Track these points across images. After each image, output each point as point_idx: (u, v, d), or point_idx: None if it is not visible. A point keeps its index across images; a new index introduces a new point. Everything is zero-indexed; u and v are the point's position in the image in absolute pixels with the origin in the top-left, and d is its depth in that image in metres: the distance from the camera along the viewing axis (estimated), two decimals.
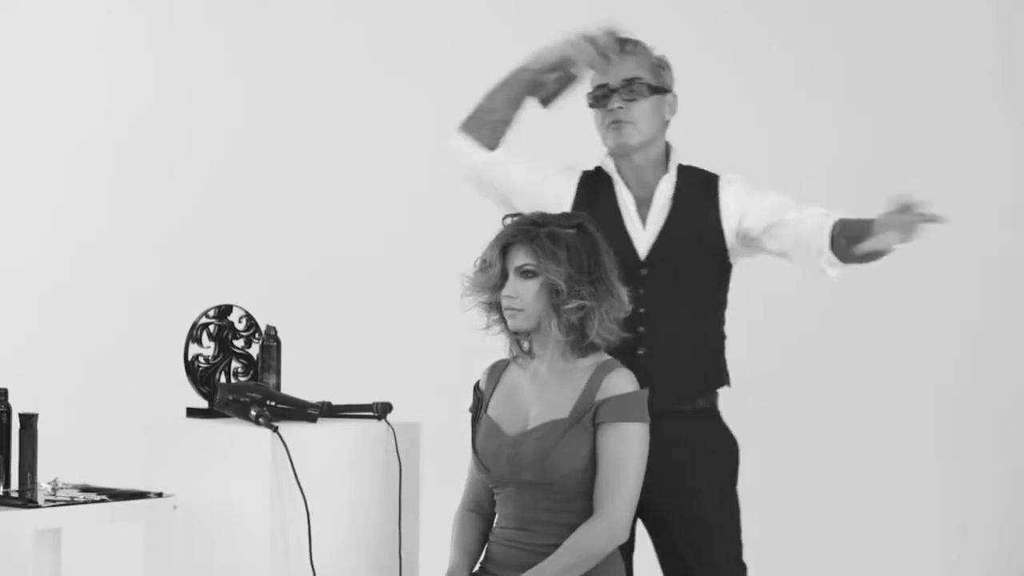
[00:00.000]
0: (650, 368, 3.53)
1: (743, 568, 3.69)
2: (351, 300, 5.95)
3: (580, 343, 3.40)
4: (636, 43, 3.72)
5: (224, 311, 3.96)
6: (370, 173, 5.97)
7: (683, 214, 3.67)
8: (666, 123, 3.76)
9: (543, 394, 3.42)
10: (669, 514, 3.57)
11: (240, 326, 3.97)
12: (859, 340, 5.38)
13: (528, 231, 3.40)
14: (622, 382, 3.36)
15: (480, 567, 3.49)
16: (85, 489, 3.77)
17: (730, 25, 5.59)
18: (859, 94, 5.35)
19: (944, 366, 5.28)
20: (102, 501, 3.67)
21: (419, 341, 5.81)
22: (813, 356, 5.49)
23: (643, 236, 3.65)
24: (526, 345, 3.49)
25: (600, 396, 3.35)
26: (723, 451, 3.71)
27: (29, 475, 3.75)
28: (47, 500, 3.63)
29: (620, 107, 3.67)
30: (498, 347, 3.55)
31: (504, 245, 3.42)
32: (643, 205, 3.70)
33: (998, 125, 5.20)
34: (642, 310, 3.58)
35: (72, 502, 3.63)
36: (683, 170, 3.73)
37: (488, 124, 3.79)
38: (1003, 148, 5.21)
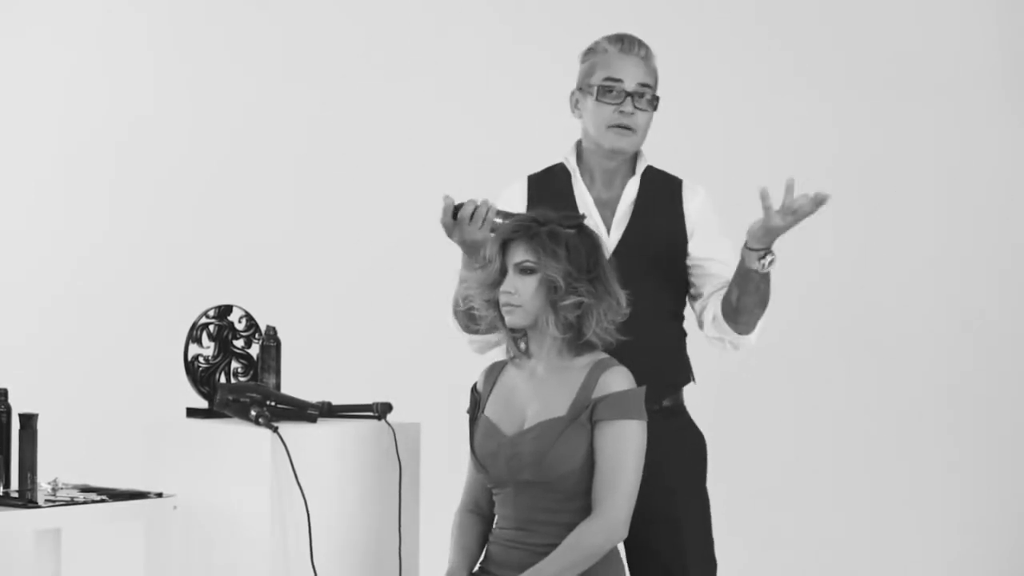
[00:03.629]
0: None
1: (714, 565, 3.70)
2: (351, 300, 5.95)
3: (577, 341, 3.40)
4: (646, 47, 3.68)
5: (224, 311, 3.96)
6: (370, 173, 5.97)
7: (646, 218, 3.67)
8: None
9: (540, 393, 3.42)
10: (640, 514, 3.56)
11: (240, 326, 3.97)
12: (858, 338, 5.38)
13: (528, 228, 3.40)
14: (619, 380, 3.36)
15: (480, 567, 3.49)
16: (85, 489, 3.77)
17: (730, 25, 5.59)
18: (859, 94, 5.35)
19: (944, 364, 5.28)
20: (102, 501, 3.67)
21: (419, 341, 5.81)
22: (812, 354, 5.49)
23: (606, 240, 3.63)
24: (523, 345, 3.49)
25: (597, 394, 3.35)
26: (692, 449, 3.72)
27: (29, 475, 3.75)
28: (47, 500, 3.63)
29: (632, 113, 3.64)
30: (497, 347, 3.55)
31: (504, 242, 3.43)
32: (606, 208, 3.70)
33: (998, 125, 5.21)
34: None
35: (72, 502, 3.63)
36: (648, 173, 3.72)
37: (462, 313, 3.68)
38: (1003, 148, 5.21)
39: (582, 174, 3.72)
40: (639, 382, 3.40)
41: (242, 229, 6.12)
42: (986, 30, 5.27)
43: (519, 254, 3.41)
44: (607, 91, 3.64)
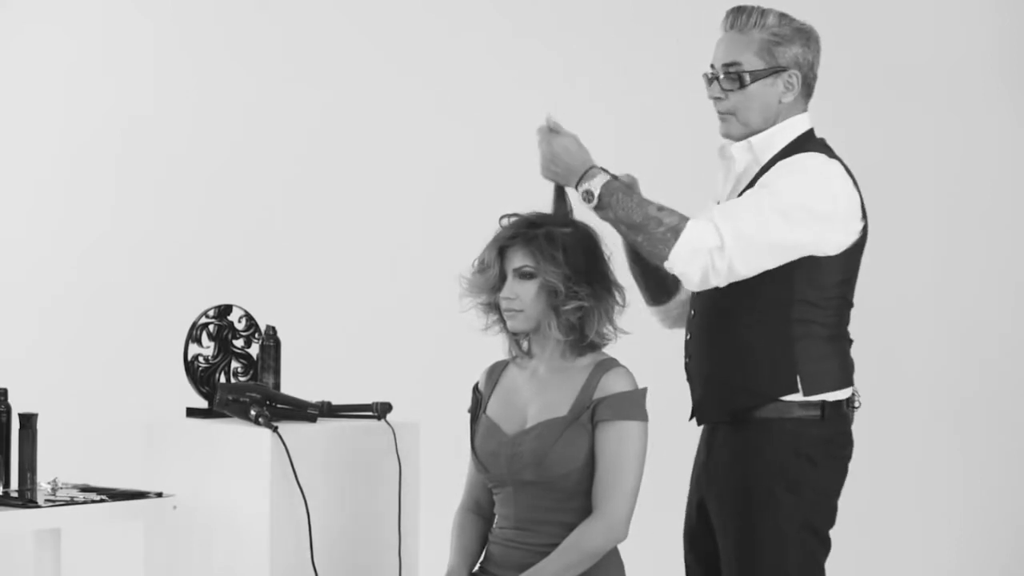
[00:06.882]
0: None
1: None
2: (351, 300, 5.95)
3: (580, 342, 3.40)
4: (750, 16, 3.31)
5: (224, 311, 3.96)
6: (370, 174, 5.97)
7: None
8: (789, 104, 3.35)
9: (542, 393, 3.42)
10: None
11: (240, 326, 3.97)
12: (861, 338, 5.38)
13: (525, 233, 3.39)
14: (620, 381, 3.36)
15: (480, 567, 3.49)
16: (85, 489, 3.77)
17: None
18: (859, 94, 5.35)
19: (945, 365, 5.28)
20: (102, 501, 3.67)
21: (419, 341, 5.81)
22: None
23: None
24: (525, 345, 3.49)
25: (598, 394, 3.35)
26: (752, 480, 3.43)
27: (29, 475, 3.76)
28: (47, 500, 3.63)
29: (718, 97, 3.34)
30: (498, 347, 3.55)
31: (501, 247, 3.42)
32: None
33: (999, 125, 5.20)
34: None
35: (72, 502, 3.63)
36: (784, 151, 3.37)
37: (648, 283, 3.53)
38: (1003, 148, 5.21)
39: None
40: (705, 384, 3.37)
41: (242, 229, 6.12)
42: (986, 30, 5.27)
43: (517, 259, 3.40)
44: (704, 79, 3.38)
